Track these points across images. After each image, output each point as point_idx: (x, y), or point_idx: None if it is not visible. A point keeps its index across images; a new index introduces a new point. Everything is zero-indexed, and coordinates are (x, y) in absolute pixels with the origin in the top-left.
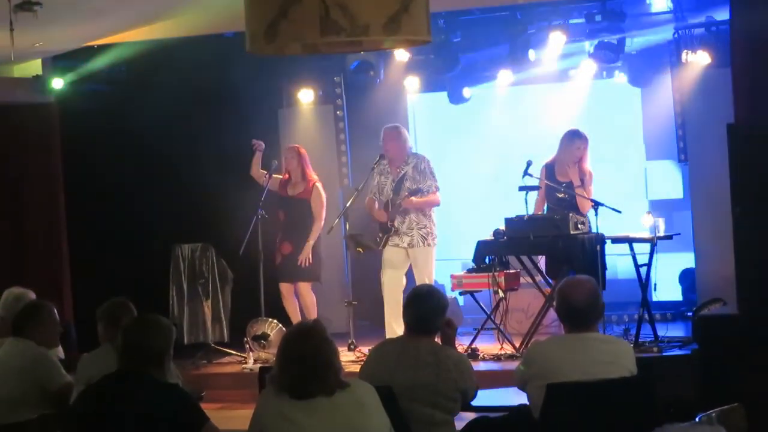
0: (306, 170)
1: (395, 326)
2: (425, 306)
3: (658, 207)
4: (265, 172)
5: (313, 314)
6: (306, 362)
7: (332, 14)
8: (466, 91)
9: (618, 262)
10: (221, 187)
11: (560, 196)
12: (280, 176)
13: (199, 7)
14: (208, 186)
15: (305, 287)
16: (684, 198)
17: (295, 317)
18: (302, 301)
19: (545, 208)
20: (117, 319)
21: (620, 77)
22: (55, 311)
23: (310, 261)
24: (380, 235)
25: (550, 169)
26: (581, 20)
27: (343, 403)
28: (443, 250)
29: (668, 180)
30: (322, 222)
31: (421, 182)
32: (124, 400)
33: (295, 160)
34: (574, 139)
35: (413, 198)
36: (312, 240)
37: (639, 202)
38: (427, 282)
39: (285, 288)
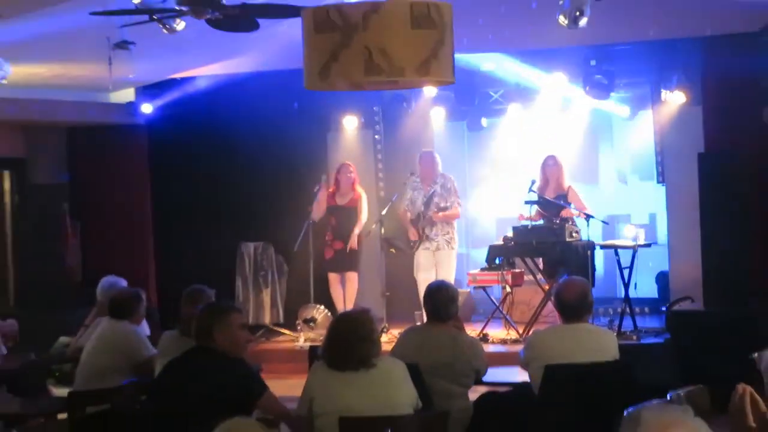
0: (354, 184)
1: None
2: (437, 299)
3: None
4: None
5: (351, 300)
6: (349, 340)
7: (375, 58)
8: (483, 121)
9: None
10: (279, 195)
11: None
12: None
13: (264, 47)
14: (268, 195)
15: (353, 276)
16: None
17: (339, 302)
18: (348, 288)
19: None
20: (196, 303)
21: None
22: (143, 295)
23: (355, 248)
24: (413, 241)
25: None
26: (578, 64)
27: (378, 376)
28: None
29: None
30: (363, 223)
31: (447, 198)
32: (199, 372)
33: (350, 173)
34: (548, 162)
35: (440, 213)
36: (357, 230)
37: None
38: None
39: (333, 277)
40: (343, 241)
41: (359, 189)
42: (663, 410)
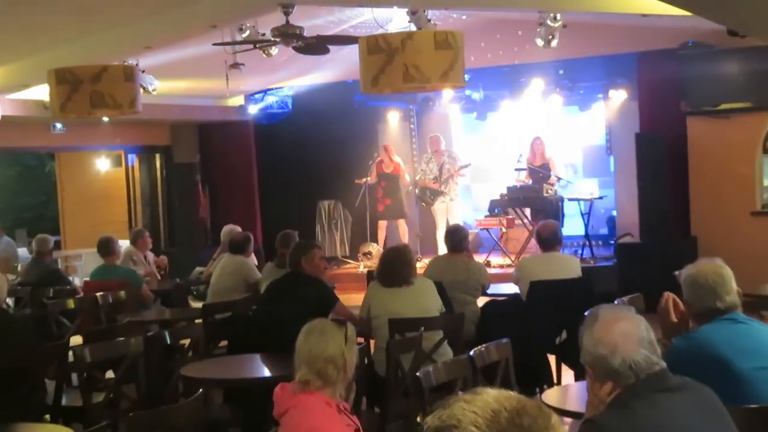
0: (392, 158)
1: (441, 246)
2: (455, 236)
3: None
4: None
5: (405, 238)
6: (395, 266)
7: (410, 71)
8: (485, 114)
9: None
10: (344, 168)
11: (540, 175)
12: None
13: (332, 65)
14: (337, 167)
15: (402, 222)
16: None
17: (382, 241)
18: (400, 230)
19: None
20: (287, 243)
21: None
22: (252, 237)
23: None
24: (431, 197)
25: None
26: (551, 73)
27: (415, 290)
28: (470, 203)
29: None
30: (408, 183)
31: (454, 165)
32: (292, 289)
33: (388, 152)
34: (535, 140)
35: (459, 171)
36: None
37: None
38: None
39: (381, 224)
40: (391, 198)
41: (396, 159)
42: (614, 308)
